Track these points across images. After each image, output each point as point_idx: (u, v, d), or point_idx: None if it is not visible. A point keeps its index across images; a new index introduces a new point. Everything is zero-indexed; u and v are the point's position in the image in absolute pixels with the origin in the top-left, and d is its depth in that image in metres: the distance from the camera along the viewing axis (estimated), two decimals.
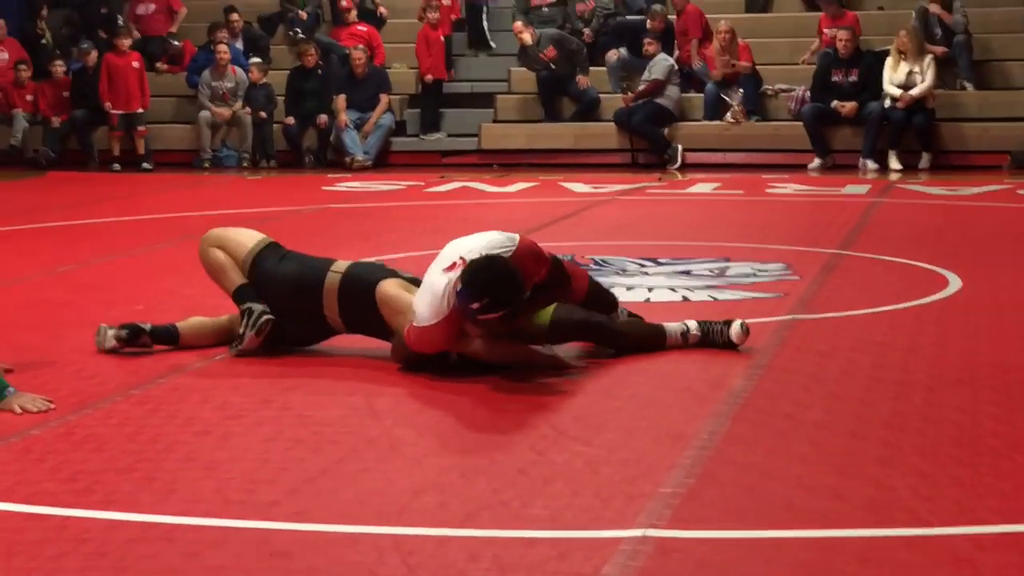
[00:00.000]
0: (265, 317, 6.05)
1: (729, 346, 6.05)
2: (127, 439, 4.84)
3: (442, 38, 17.27)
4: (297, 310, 6.11)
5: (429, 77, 17.06)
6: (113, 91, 16.96)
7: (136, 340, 6.21)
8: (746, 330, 6.07)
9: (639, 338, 6.09)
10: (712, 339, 6.08)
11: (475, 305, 5.43)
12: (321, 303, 6.03)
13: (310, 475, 4.41)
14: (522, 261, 5.61)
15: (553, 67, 16.63)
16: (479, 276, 5.44)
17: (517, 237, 5.71)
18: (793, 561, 3.63)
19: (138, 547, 3.76)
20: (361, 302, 5.93)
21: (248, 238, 6.27)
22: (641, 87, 16.20)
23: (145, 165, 16.81)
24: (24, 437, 4.86)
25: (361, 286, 5.95)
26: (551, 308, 5.90)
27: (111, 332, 6.21)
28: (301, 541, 3.81)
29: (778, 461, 4.47)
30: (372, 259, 6.87)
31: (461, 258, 5.57)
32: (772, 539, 3.80)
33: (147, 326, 6.25)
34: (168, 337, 6.27)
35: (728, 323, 6.08)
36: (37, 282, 8.30)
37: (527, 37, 16.70)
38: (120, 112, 16.94)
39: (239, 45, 17.74)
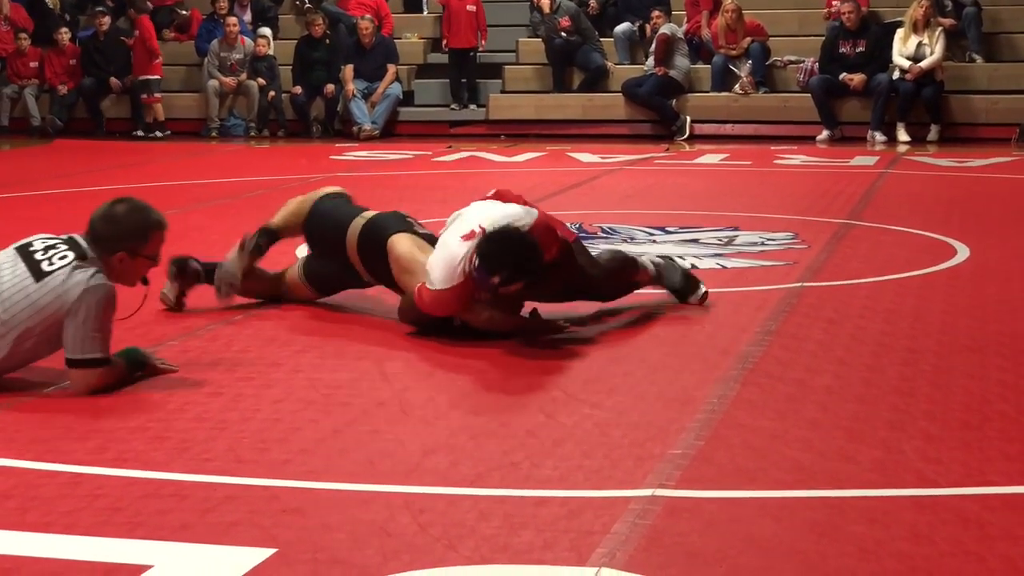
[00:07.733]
0: (222, 272, 6.26)
1: (679, 295, 6.30)
2: (138, 400, 4.87)
3: (469, 8, 17.11)
4: (331, 250, 6.21)
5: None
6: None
7: (185, 271, 6.35)
8: (704, 301, 6.29)
9: (614, 275, 6.18)
10: (669, 278, 6.32)
11: (495, 279, 5.41)
12: (345, 245, 6.10)
13: (321, 435, 4.43)
14: (537, 235, 5.58)
15: (566, 36, 16.58)
16: (498, 248, 5.40)
17: (536, 211, 5.72)
18: (801, 520, 3.65)
19: (152, 503, 3.79)
20: (377, 251, 5.99)
21: (328, 188, 6.54)
22: (649, 59, 16.19)
23: (156, 133, 16.83)
24: (36, 397, 4.89)
25: (378, 235, 6.00)
26: None
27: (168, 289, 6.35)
28: (313, 499, 3.84)
29: (787, 424, 4.49)
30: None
31: (480, 227, 5.53)
32: (781, 499, 3.82)
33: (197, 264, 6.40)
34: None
35: (697, 284, 6.30)
36: None
37: (545, 3, 16.64)
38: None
39: (247, 17, 17.70)
